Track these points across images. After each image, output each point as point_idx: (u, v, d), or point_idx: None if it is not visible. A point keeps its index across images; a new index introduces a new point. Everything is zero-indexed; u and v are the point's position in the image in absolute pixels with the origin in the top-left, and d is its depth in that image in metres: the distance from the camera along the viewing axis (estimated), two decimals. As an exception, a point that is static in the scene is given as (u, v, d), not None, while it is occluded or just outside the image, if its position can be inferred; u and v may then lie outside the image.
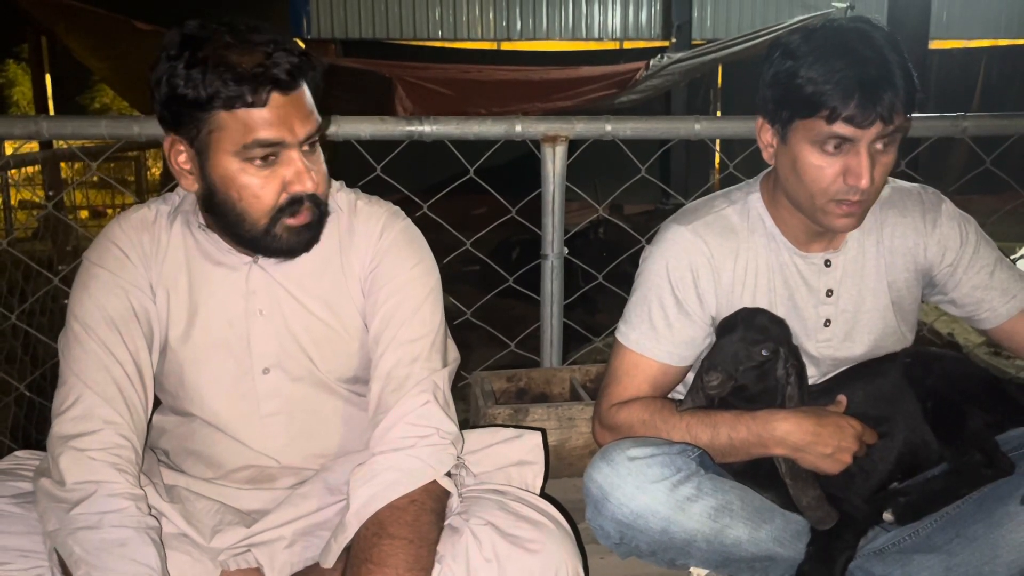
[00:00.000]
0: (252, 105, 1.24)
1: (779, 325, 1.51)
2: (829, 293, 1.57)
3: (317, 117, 1.32)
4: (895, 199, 1.59)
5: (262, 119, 1.25)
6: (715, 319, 1.58)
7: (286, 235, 1.32)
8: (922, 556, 1.39)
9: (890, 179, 1.61)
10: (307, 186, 1.30)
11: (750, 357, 1.43)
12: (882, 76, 1.33)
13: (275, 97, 1.25)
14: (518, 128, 2.19)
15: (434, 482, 1.29)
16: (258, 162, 1.27)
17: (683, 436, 1.48)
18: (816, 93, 1.35)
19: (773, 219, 1.56)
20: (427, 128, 2.16)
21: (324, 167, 1.36)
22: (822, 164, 1.40)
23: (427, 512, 1.26)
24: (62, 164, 5.17)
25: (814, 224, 1.49)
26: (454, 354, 1.49)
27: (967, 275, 1.58)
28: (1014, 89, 11.69)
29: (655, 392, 1.59)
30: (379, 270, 1.42)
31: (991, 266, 1.59)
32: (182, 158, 1.32)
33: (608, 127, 2.22)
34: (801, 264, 1.56)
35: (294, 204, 1.30)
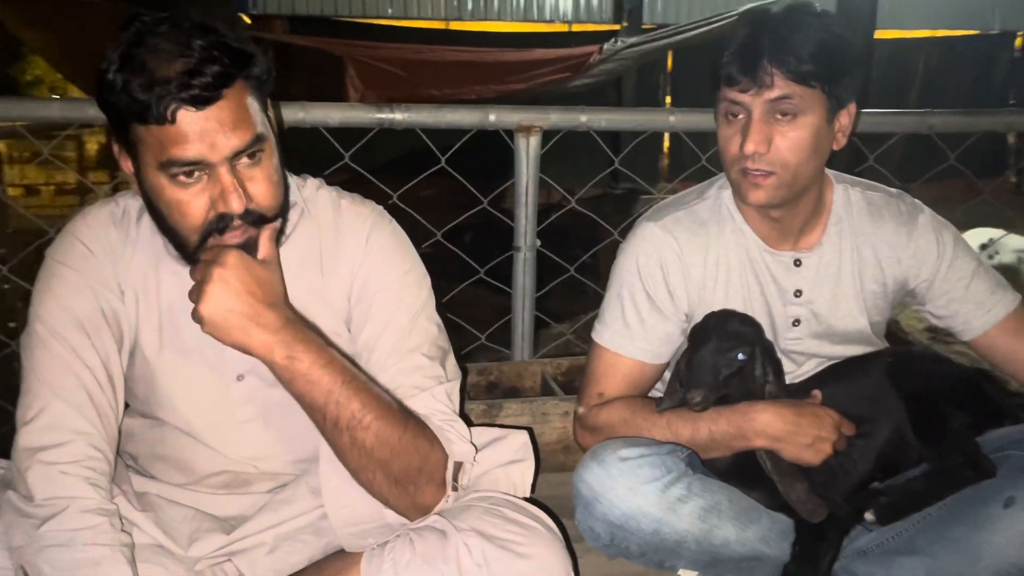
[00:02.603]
0: (159, 122, 1.13)
1: (751, 325, 1.50)
2: (798, 293, 1.56)
3: (255, 126, 1.19)
4: (871, 207, 1.59)
5: (174, 137, 1.14)
6: (689, 316, 1.57)
7: None
8: (905, 558, 1.40)
9: (867, 184, 1.63)
10: (232, 206, 1.18)
11: (728, 365, 1.42)
12: (771, 42, 1.37)
13: (184, 114, 1.13)
14: (492, 118, 2.15)
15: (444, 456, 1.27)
16: (182, 178, 1.17)
17: (664, 433, 1.47)
18: (721, 61, 1.41)
19: (742, 214, 1.56)
20: (398, 116, 2.11)
21: (273, 177, 1.24)
22: (727, 133, 1.44)
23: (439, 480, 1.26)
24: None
25: (740, 201, 1.51)
26: (457, 370, 1.43)
27: (943, 288, 1.59)
28: (952, 81, 11.95)
29: (633, 391, 1.58)
30: (370, 276, 1.36)
31: (967, 278, 1.58)
32: (127, 164, 1.24)
33: (583, 118, 2.19)
34: (771, 261, 1.56)
35: (223, 221, 1.19)
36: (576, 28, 12.07)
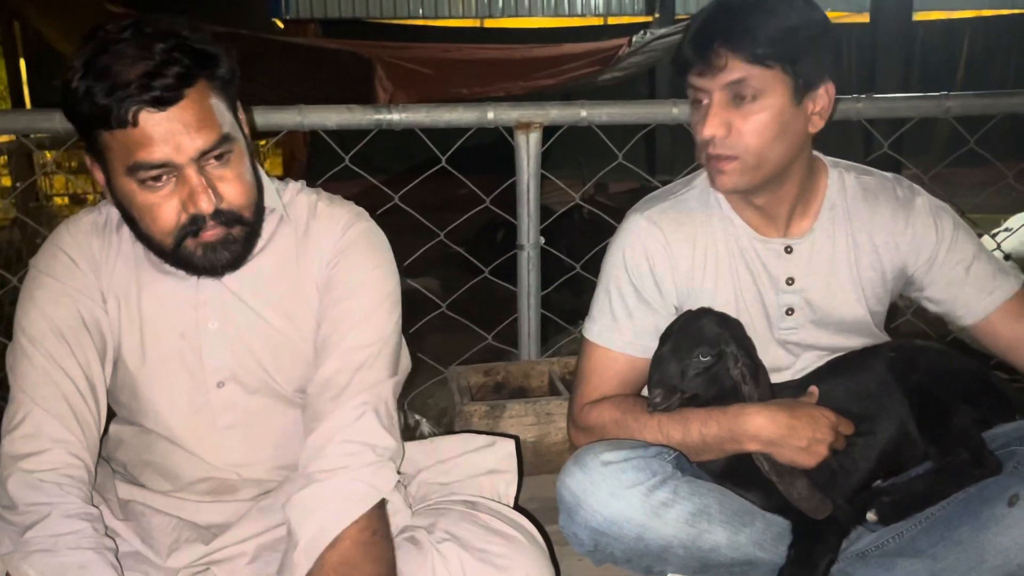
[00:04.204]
0: (122, 125, 1.13)
1: (722, 325, 1.44)
2: (790, 281, 1.52)
3: (221, 126, 1.19)
4: (866, 193, 1.53)
5: (138, 140, 1.14)
6: (679, 308, 1.54)
7: (200, 252, 1.22)
8: (906, 560, 1.35)
9: (862, 169, 1.58)
10: (201, 207, 1.18)
11: (691, 366, 1.38)
12: (724, 24, 1.35)
13: (146, 116, 1.13)
14: (490, 115, 2.13)
15: (382, 503, 1.23)
16: (150, 182, 1.17)
17: (655, 434, 1.43)
18: (680, 48, 1.40)
19: (730, 203, 1.53)
20: (396, 116, 2.09)
21: (244, 176, 1.24)
22: (695, 120, 1.43)
23: (387, 539, 1.21)
24: (47, 152, 5.09)
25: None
26: (405, 363, 1.42)
27: (942, 271, 1.53)
28: (998, 61, 11.64)
29: (624, 388, 1.55)
30: (336, 271, 1.34)
31: (968, 261, 1.52)
32: (98, 175, 1.24)
33: (583, 112, 2.15)
34: (761, 249, 1.52)
35: (195, 223, 1.20)
36: (611, 21, 12.01)
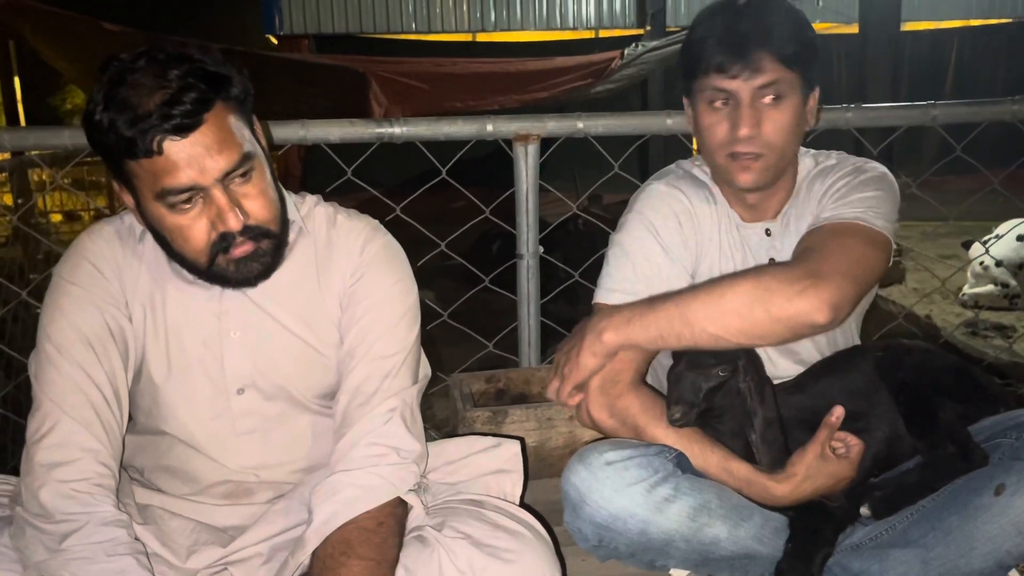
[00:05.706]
0: (147, 155, 1.17)
1: None
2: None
3: (241, 144, 1.23)
4: (821, 172, 1.60)
5: (164, 167, 1.18)
6: (693, 273, 1.60)
7: (232, 267, 1.28)
8: (899, 551, 1.39)
9: (824, 152, 1.65)
10: (230, 225, 1.23)
11: (708, 379, 1.41)
12: (753, 28, 1.43)
13: (170, 144, 1.17)
14: (489, 128, 2.18)
15: (398, 503, 1.28)
16: (179, 205, 1.22)
17: None
18: (698, 49, 1.47)
19: (721, 192, 1.63)
20: (397, 130, 2.14)
21: (268, 191, 1.29)
22: (714, 120, 1.49)
23: (394, 535, 1.26)
24: (38, 169, 5.12)
25: (729, 186, 1.57)
26: (425, 370, 1.47)
27: (831, 201, 1.54)
28: (986, 70, 11.75)
29: (648, 356, 1.56)
30: (359, 284, 1.40)
31: (851, 190, 1.53)
32: (127, 199, 1.28)
33: (580, 124, 2.21)
34: (746, 233, 1.61)
35: (225, 240, 1.25)
36: (603, 34, 12.08)
